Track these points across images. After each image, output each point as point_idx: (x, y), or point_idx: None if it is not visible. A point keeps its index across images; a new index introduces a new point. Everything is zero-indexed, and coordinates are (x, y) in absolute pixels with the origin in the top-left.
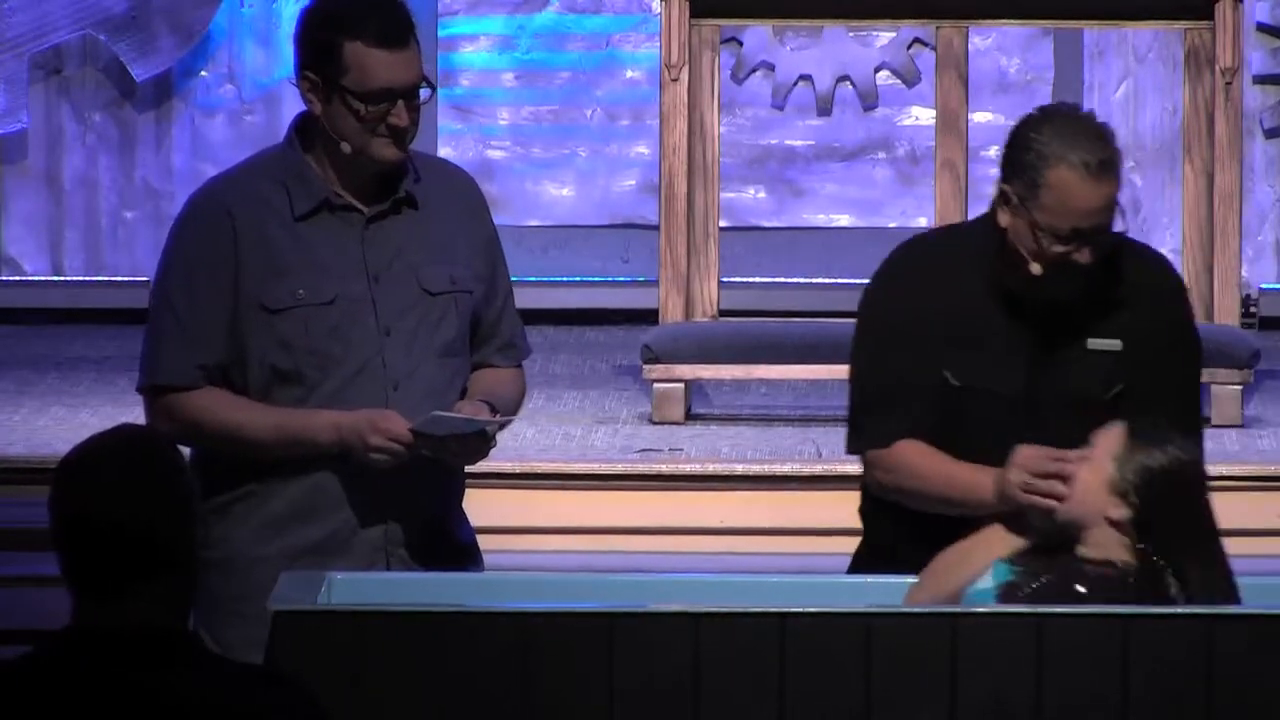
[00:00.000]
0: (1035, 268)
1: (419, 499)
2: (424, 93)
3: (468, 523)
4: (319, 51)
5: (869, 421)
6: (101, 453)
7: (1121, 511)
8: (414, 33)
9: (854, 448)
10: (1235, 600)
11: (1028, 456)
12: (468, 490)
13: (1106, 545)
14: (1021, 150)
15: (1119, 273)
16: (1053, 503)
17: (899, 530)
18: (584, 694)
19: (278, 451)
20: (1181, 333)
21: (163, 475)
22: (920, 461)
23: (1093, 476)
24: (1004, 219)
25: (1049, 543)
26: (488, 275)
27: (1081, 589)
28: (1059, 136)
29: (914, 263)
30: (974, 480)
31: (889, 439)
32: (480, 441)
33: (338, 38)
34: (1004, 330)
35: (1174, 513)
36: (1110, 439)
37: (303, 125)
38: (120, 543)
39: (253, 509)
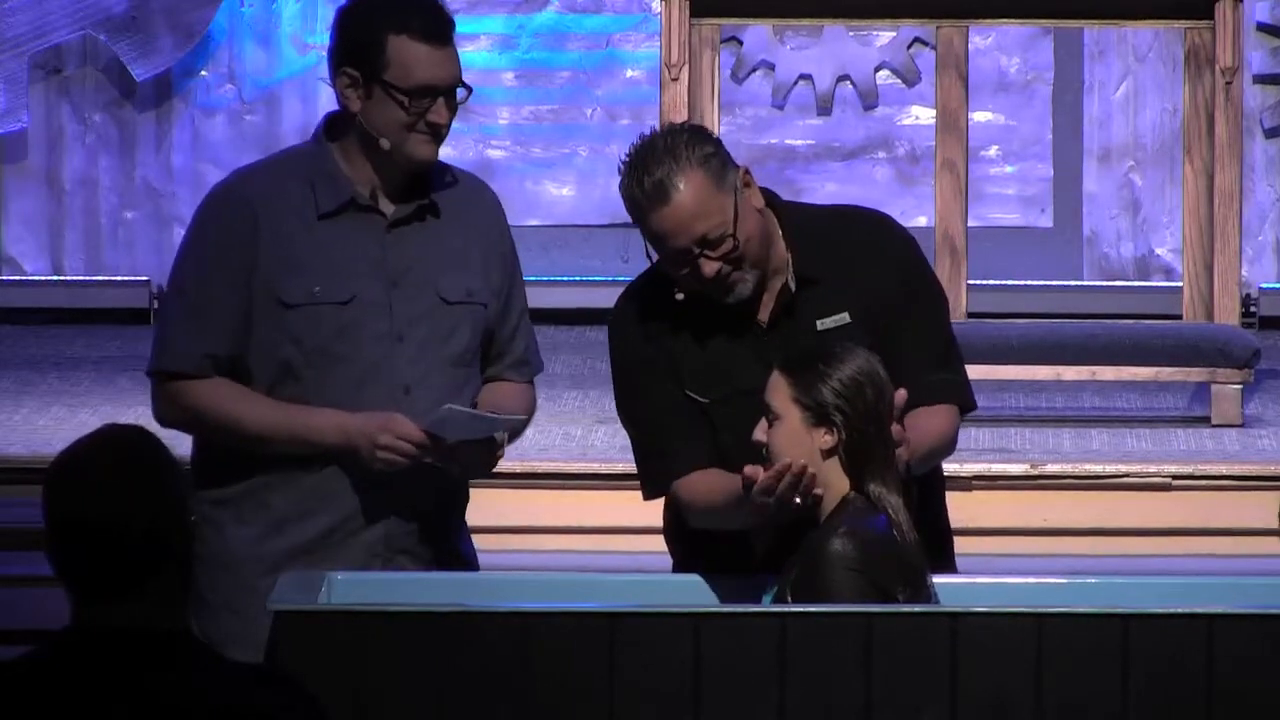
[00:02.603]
0: (679, 295)
1: (421, 502)
2: (460, 92)
3: (469, 535)
4: (361, 47)
5: (652, 467)
6: (90, 454)
7: (827, 439)
8: (454, 31)
9: (650, 495)
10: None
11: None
12: (469, 489)
13: (826, 481)
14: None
15: (833, 249)
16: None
17: (696, 539)
18: (584, 694)
19: (280, 447)
20: (907, 283)
21: (153, 473)
22: (694, 492)
23: (782, 432)
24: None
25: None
26: (504, 291)
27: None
28: (626, 177)
29: (625, 308)
30: (731, 491)
31: (673, 476)
32: (488, 453)
33: (381, 33)
34: (734, 335)
35: (876, 420)
36: (775, 388)
37: (331, 125)
38: (114, 543)
39: (252, 508)
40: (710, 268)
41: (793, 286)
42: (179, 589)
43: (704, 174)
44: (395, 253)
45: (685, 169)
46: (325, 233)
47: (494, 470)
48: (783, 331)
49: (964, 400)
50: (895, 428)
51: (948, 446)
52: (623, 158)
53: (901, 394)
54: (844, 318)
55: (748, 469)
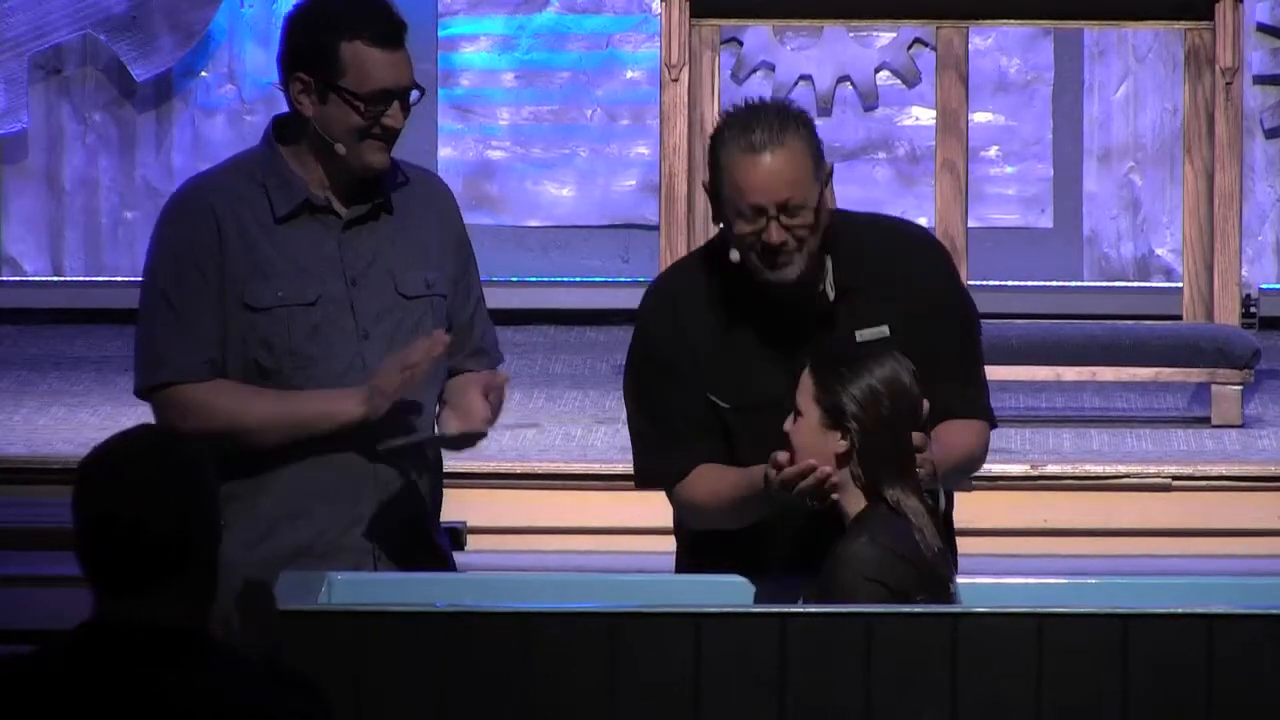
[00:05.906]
0: (734, 254)
1: (406, 500)
2: (414, 95)
3: (444, 531)
4: (314, 52)
5: (652, 462)
6: (124, 452)
7: (841, 444)
8: (406, 33)
9: (642, 485)
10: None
11: (775, 463)
12: (467, 489)
13: (846, 485)
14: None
15: (873, 260)
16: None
17: (710, 534)
18: (584, 694)
19: (300, 433)
20: (944, 300)
21: (185, 473)
22: (699, 487)
23: (803, 429)
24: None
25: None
26: (459, 278)
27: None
28: (729, 129)
29: (661, 297)
30: (737, 484)
31: (675, 476)
32: (473, 435)
33: (334, 38)
34: (767, 342)
35: (892, 430)
36: (803, 385)
37: (280, 128)
38: (143, 541)
39: (239, 511)
40: (779, 234)
41: (830, 295)
42: (203, 589)
43: (805, 146)
44: (352, 252)
45: (791, 135)
46: (284, 236)
47: (497, 471)
48: (820, 342)
49: (989, 418)
50: (919, 436)
51: (976, 461)
52: (721, 113)
53: (925, 405)
54: (883, 330)
55: (780, 454)
